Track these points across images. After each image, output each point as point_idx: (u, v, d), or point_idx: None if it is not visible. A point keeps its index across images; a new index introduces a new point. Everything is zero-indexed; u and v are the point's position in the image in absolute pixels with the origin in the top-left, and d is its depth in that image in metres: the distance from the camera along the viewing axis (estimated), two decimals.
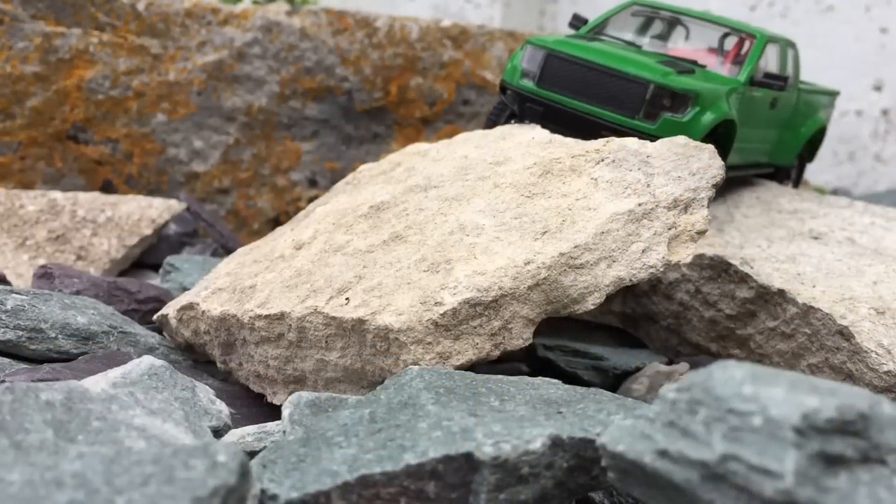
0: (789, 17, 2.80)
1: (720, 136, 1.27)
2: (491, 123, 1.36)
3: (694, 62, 1.32)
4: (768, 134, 1.47)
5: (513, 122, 1.34)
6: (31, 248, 1.59)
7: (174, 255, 1.55)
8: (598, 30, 1.42)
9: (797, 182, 1.69)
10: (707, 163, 1.03)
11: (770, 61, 1.43)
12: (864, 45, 2.74)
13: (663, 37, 1.47)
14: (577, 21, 1.43)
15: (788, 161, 1.58)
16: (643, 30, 1.50)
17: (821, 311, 1.09)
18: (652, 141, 1.10)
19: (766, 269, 1.18)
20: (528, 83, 1.29)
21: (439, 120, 1.99)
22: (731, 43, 1.41)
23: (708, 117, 1.21)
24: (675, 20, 1.46)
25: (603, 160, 1.05)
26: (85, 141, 1.86)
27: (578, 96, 1.24)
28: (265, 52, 1.92)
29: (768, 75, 1.34)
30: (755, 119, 1.39)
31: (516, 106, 1.32)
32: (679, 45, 1.46)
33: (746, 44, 1.37)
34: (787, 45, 1.47)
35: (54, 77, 1.81)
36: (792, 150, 1.58)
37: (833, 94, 1.71)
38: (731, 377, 0.56)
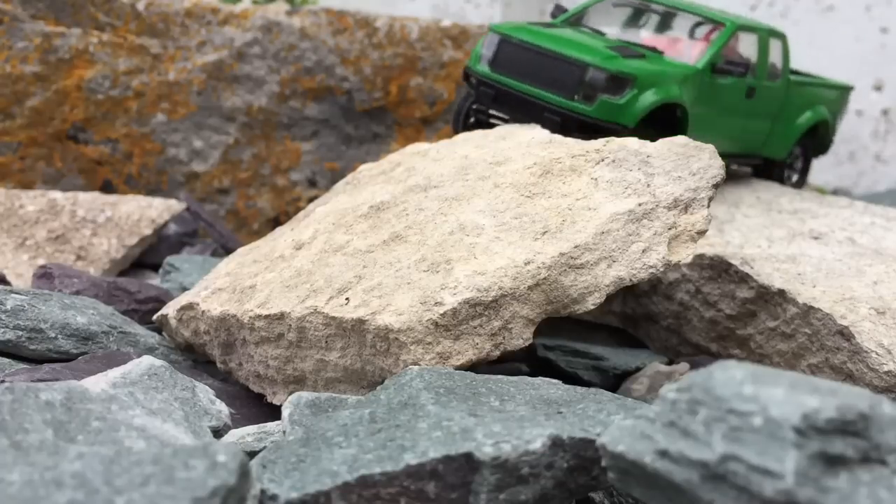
0: (789, 17, 2.80)
1: (670, 121, 1.27)
2: (456, 109, 1.39)
3: (652, 48, 1.32)
4: (747, 124, 1.46)
5: (474, 106, 1.37)
6: (31, 248, 1.59)
7: (174, 255, 1.55)
8: (575, 19, 1.42)
9: (803, 176, 1.67)
10: (707, 163, 1.03)
11: (748, 51, 1.42)
12: (864, 45, 2.74)
13: (638, 26, 1.46)
14: (558, 11, 1.45)
15: (780, 154, 1.57)
16: (621, 20, 1.50)
17: (821, 311, 1.09)
18: (591, 123, 1.14)
19: (767, 269, 1.18)
20: (484, 67, 1.32)
21: (439, 120, 1.99)
22: (703, 32, 1.40)
23: (647, 99, 1.21)
24: (651, 10, 1.45)
25: (603, 160, 1.05)
26: (85, 141, 1.86)
27: (525, 79, 1.26)
28: (265, 52, 1.92)
29: (729, 62, 1.33)
30: (724, 107, 1.38)
31: (474, 90, 1.34)
32: (655, 35, 1.45)
33: (716, 32, 1.37)
34: (769, 34, 1.45)
35: (54, 77, 1.81)
36: (784, 143, 1.56)
37: (842, 88, 1.68)
38: (731, 377, 0.56)
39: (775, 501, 0.50)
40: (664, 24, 1.45)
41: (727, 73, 1.33)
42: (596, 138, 1.17)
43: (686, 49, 1.39)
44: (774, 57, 1.48)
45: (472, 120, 1.40)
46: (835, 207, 1.44)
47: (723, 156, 1.48)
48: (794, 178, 1.65)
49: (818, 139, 1.66)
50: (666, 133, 1.27)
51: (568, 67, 1.23)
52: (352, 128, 1.98)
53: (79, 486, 0.56)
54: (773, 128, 1.53)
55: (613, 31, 1.44)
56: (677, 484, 0.55)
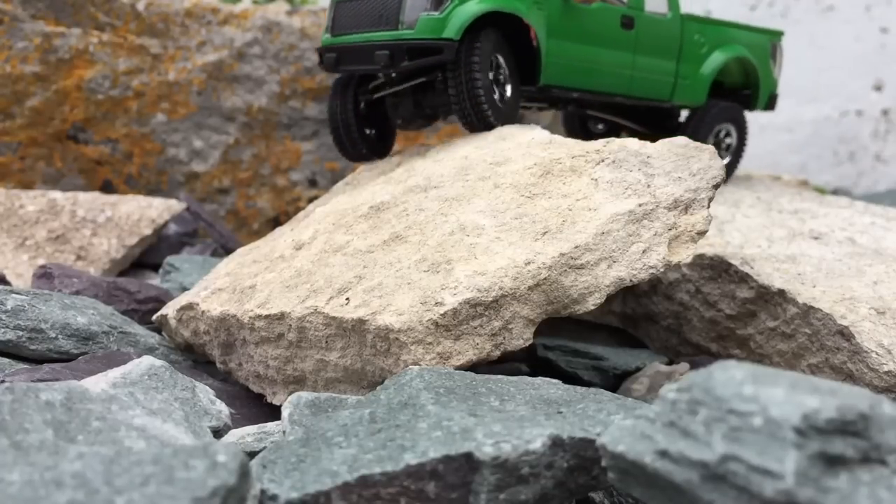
0: (789, 16, 2.80)
1: (525, 45, 1.26)
2: (332, 126, 1.39)
3: None
4: (636, 60, 1.40)
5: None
6: (31, 248, 1.59)
7: (174, 255, 1.55)
8: None
9: (741, 139, 1.58)
10: (707, 163, 1.03)
11: None
12: (864, 45, 2.74)
13: None
14: None
15: (694, 99, 1.51)
16: None
17: (821, 311, 1.09)
18: (417, 46, 1.15)
19: (767, 269, 1.18)
20: (326, 36, 1.32)
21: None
22: None
23: (470, 9, 1.20)
24: None
25: (603, 161, 1.05)
26: (85, 141, 1.86)
27: (357, 29, 1.27)
28: (265, 52, 1.92)
29: None
30: (594, 36, 1.34)
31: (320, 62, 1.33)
32: None
33: None
34: None
35: (54, 77, 1.81)
36: (697, 88, 1.50)
37: (768, 33, 1.60)
38: (731, 377, 0.56)
39: (775, 501, 0.50)
40: None
41: None
42: (425, 64, 1.18)
43: None
44: None
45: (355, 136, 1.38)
46: (835, 207, 1.44)
47: (614, 106, 1.41)
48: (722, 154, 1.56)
49: (755, 89, 1.59)
50: (518, 57, 1.24)
51: (389, 1, 1.23)
52: None
53: (79, 486, 0.56)
54: (680, 70, 1.47)
55: None
56: (677, 484, 0.55)
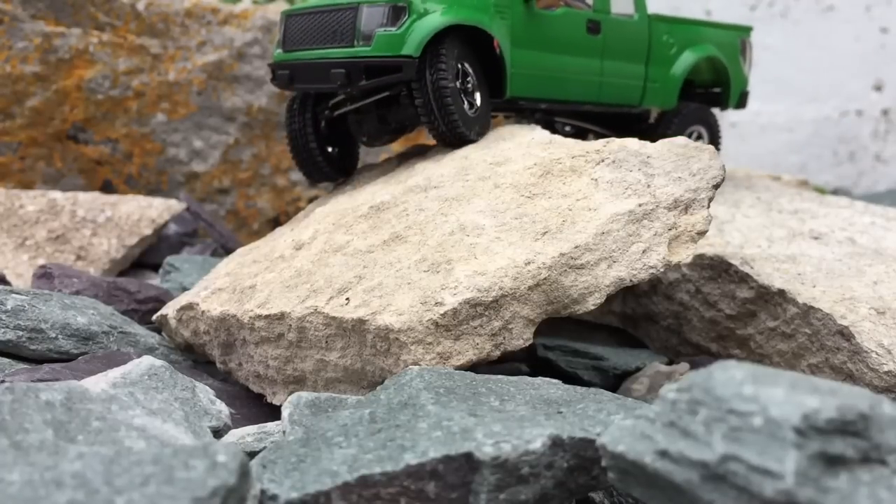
0: (789, 17, 2.80)
1: (482, 50, 1.20)
2: (293, 149, 1.33)
3: None
4: (605, 66, 1.35)
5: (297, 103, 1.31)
6: (31, 248, 1.59)
7: (174, 255, 1.55)
8: None
9: (713, 139, 1.53)
10: (707, 163, 1.03)
11: None
12: (864, 45, 2.74)
13: None
14: None
15: (664, 103, 1.46)
16: None
17: (821, 311, 1.09)
18: (375, 64, 1.09)
19: (767, 269, 1.18)
20: (278, 52, 1.26)
21: None
22: None
23: (429, 22, 1.14)
24: None
25: (603, 161, 1.05)
26: (85, 141, 1.86)
27: (311, 45, 1.20)
28: (265, 51, 1.92)
29: None
30: (560, 44, 1.29)
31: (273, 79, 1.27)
32: None
33: None
34: None
35: (54, 77, 1.81)
36: (668, 90, 1.45)
37: (736, 30, 1.56)
38: (731, 377, 0.56)
39: (775, 502, 0.50)
40: None
41: None
42: (384, 83, 1.11)
43: None
44: None
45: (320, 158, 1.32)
46: (835, 207, 1.44)
47: (582, 113, 1.33)
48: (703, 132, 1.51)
49: (725, 87, 1.54)
50: (485, 66, 1.18)
51: (343, 15, 1.16)
52: None
53: (79, 486, 0.56)
54: (649, 73, 1.42)
55: None
56: (677, 484, 0.55)
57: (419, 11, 1.14)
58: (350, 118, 1.32)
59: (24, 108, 1.80)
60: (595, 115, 1.47)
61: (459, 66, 1.19)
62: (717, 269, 1.20)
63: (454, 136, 1.19)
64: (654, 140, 1.35)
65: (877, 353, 1.03)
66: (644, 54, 1.41)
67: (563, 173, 1.06)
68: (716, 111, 1.58)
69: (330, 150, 1.35)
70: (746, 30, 1.59)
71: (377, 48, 1.13)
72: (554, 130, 1.57)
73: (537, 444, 0.66)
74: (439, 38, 1.15)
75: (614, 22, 1.36)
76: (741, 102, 1.60)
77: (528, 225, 0.98)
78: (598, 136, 1.52)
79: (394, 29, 1.13)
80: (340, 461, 0.66)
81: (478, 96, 1.22)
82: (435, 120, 1.17)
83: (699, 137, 1.51)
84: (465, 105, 1.20)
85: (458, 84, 1.18)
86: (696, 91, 1.57)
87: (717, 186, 1.02)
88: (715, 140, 1.53)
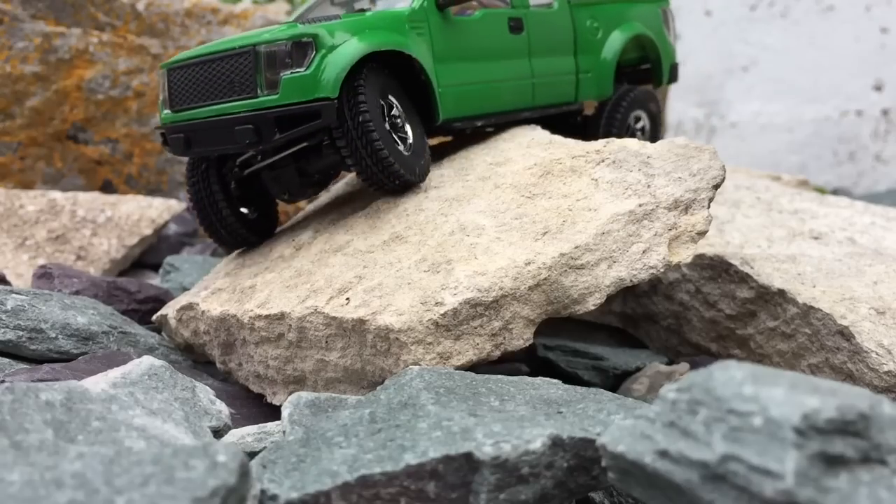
0: (789, 17, 2.80)
1: (403, 75, 1.09)
2: (198, 211, 1.18)
3: (361, 10, 1.13)
4: (535, 66, 1.25)
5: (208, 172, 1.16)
6: (31, 248, 1.59)
7: (174, 255, 1.55)
8: (301, 19, 1.20)
9: (654, 122, 1.42)
10: (707, 164, 1.03)
11: None
12: (864, 45, 2.74)
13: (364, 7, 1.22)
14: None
15: (600, 92, 1.35)
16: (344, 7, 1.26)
17: (821, 311, 1.09)
18: (288, 114, 0.96)
19: (767, 269, 1.18)
20: (166, 112, 1.09)
21: None
22: None
23: (342, 55, 1.00)
24: None
25: (603, 161, 1.05)
26: (85, 141, 1.86)
27: (206, 101, 1.03)
28: None
29: None
30: (485, 51, 1.18)
31: (164, 144, 1.12)
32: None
33: None
34: None
35: (54, 77, 1.81)
36: (602, 79, 1.34)
37: (656, 1, 1.46)
38: (731, 377, 0.56)
39: (775, 501, 0.50)
40: None
41: (452, 2, 1.12)
42: (303, 133, 0.98)
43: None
44: None
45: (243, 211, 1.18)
46: (835, 207, 1.44)
47: (519, 121, 1.21)
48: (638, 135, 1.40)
49: (652, 66, 1.45)
50: (410, 92, 1.06)
51: (238, 61, 1.00)
52: None
53: (79, 486, 0.56)
54: (580, 63, 1.32)
55: (337, 11, 1.22)
56: (677, 484, 0.55)
57: (327, 45, 1.00)
58: (265, 174, 1.17)
59: (24, 108, 1.80)
60: (534, 122, 1.33)
61: (381, 100, 1.06)
62: (717, 269, 1.20)
63: (391, 181, 1.07)
64: (596, 135, 1.26)
65: (877, 353, 1.03)
66: (571, 44, 1.31)
67: (563, 173, 1.06)
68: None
69: (245, 211, 1.20)
70: (664, 1, 1.50)
71: (286, 95, 0.98)
72: None
73: (537, 444, 0.66)
74: (355, 71, 1.02)
75: (535, 15, 1.26)
76: (672, 77, 1.49)
77: (528, 225, 0.98)
78: None
79: (302, 70, 0.98)
80: (340, 461, 0.66)
81: (409, 129, 1.10)
82: (367, 166, 1.04)
83: (638, 120, 1.40)
84: (398, 144, 1.07)
85: (384, 119, 1.06)
86: (624, 71, 1.47)
87: (717, 187, 1.02)
88: (655, 121, 1.43)
